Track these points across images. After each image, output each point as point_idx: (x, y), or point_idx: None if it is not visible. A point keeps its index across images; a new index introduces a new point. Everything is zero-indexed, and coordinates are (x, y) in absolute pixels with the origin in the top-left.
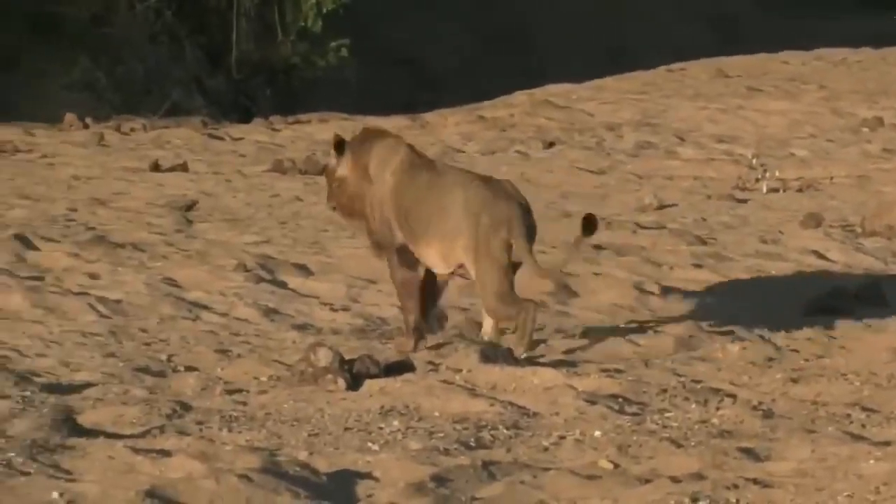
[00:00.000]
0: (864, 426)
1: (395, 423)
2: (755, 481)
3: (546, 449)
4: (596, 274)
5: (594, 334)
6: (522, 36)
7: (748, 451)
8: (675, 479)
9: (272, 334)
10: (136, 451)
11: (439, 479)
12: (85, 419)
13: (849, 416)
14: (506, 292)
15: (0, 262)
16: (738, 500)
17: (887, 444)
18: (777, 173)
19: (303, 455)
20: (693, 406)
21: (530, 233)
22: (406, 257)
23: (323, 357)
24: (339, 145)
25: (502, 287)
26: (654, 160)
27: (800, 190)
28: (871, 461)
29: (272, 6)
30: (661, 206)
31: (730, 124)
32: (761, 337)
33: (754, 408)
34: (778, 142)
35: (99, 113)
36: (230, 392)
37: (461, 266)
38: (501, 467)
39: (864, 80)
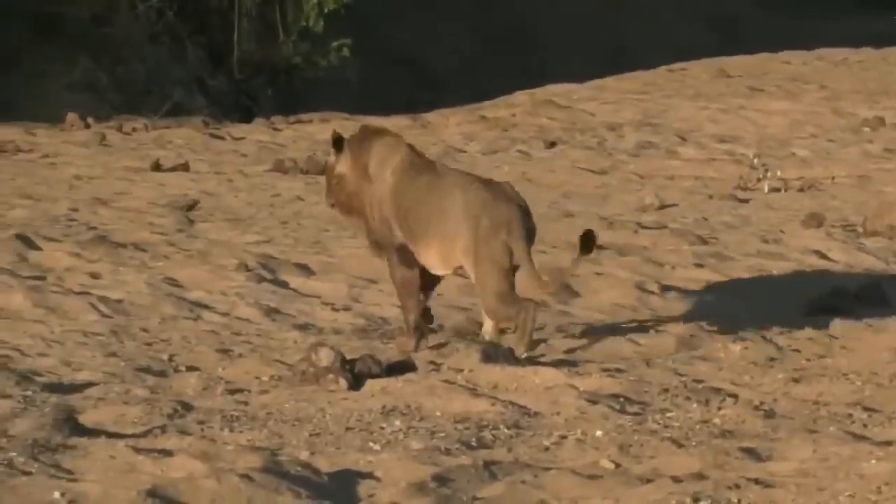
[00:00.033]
0: (865, 426)
1: (397, 422)
2: (757, 481)
3: (547, 449)
4: (597, 273)
5: (595, 334)
6: (523, 36)
7: (750, 451)
8: (676, 479)
9: (274, 334)
10: (138, 450)
11: (441, 479)
12: (86, 419)
13: (850, 415)
14: (505, 293)
15: (2, 262)
16: (739, 500)
17: (889, 443)
18: (778, 173)
19: (304, 455)
20: (694, 406)
21: (529, 235)
22: (406, 256)
23: (324, 357)
24: (338, 142)
25: (501, 287)
26: (655, 160)
27: (801, 190)
28: (873, 461)
29: (274, 6)
30: (663, 206)
31: (731, 124)
32: (763, 337)
33: (756, 407)
34: (779, 142)
35: (100, 113)
36: (231, 392)
37: (460, 267)
38: (503, 467)
39: (864, 80)
